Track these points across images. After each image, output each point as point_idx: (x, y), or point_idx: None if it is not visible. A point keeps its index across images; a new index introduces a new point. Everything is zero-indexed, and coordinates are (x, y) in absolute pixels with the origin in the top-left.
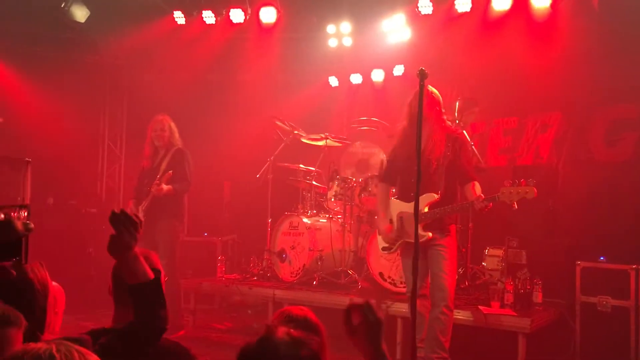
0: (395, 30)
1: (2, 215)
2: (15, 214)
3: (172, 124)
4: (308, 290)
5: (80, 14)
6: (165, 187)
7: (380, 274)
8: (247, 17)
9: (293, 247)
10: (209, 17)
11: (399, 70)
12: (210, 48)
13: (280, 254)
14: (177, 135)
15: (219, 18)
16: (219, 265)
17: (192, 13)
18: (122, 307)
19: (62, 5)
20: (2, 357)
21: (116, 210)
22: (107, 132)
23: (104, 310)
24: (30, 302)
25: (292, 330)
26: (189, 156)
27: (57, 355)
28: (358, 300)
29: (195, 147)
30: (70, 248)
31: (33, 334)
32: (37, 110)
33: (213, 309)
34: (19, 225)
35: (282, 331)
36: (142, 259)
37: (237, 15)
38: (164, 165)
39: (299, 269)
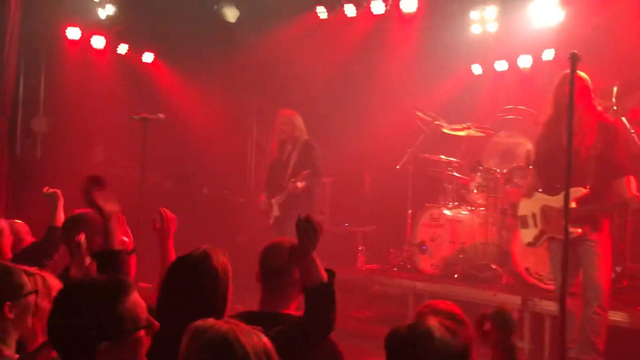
0: (545, 12)
1: None
2: None
3: (295, 117)
4: (449, 284)
5: (231, 14)
6: (300, 184)
7: (527, 269)
8: (388, 8)
9: (433, 239)
10: (350, 10)
11: (548, 54)
12: (352, 40)
13: (421, 246)
14: (301, 127)
15: (359, 10)
16: (359, 255)
17: (334, 7)
18: (267, 292)
19: (215, 7)
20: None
21: (302, 216)
22: (255, 125)
23: (250, 293)
24: (213, 290)
25: (443, 320)
26: (317, 148)
27: (240, 336)
28: (488, 311)
29: (337, 138)
30: (221, 234)
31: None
32: (193, 106)
33: (353, 298)
34: None
35: (433, 320)
36: (318, 261)
37: (377, 7)
38: (293, 159)
39: (440, 261)
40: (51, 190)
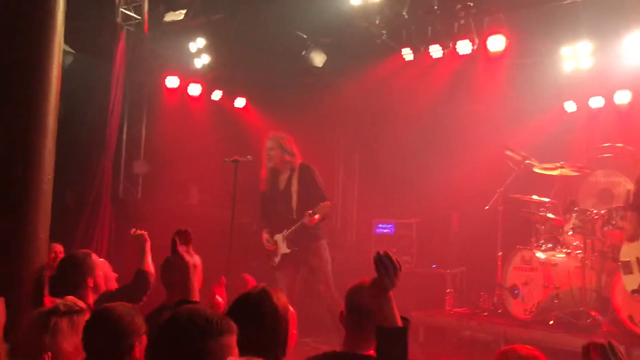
0: None
1: None
2: None
3: (283, 140)
4: (544, 330)
5: (319, 59)
6: (318, 217)
7: (630, 317)
8: (475, 47)
9: (526, 283)
10: (436, 51)
11: None
12: (438, 81)
13: (512, 290)
14: (292, 151)
15: (446, 51)
16: (447, 298)
17: (420, 48)
18: (351, 332)
19: (303, 53)
20: None
21: (381, 253)
22: (342, 167)
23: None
24: (274, 327)
25: None
26: (315, 170)
27: None
28: (599, 339)
29: (424, 179)
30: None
31: (272, 356)
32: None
33: (442, 342)
34: None
35: None
36: (394, 305)
37: (464, 47)
38: (295, 188)
39: (533, 306)
40: (138, 232)
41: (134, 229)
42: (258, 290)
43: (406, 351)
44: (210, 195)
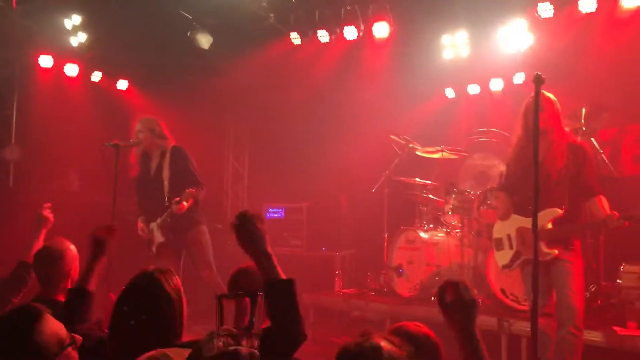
0: (514, 36)
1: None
2: None
3: (152, 122)
4: (426, 306)
5: (205, 40)
6: (186, 204)
7: (502, 291)
8: (361, 34)
9: (410, 262)
10: (323, 36)
11: (519, 78)
12: (326, 66)
13: (397, 269)
14: (162, 134)
15: (333, 36)
16: (336, 279)
17: (307, 33)
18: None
19: (188, 34)
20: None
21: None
22: (231, 152)
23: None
24: (167, 312)
25: (388, 337)
26: (188, 153)
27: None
28: (453, 279)
29: (313, 163)
30: None
31: (168, 342)
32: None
33: (332, 323)
34: None
35: (379, 337)
36: (274, 260)
37: (350, 33)
38: (166, 172)
39: (417, 284)
40: (46, 212)
41: (49, 204)
42: (147, 275)
43: (296, 303)
44: (91, 181)
